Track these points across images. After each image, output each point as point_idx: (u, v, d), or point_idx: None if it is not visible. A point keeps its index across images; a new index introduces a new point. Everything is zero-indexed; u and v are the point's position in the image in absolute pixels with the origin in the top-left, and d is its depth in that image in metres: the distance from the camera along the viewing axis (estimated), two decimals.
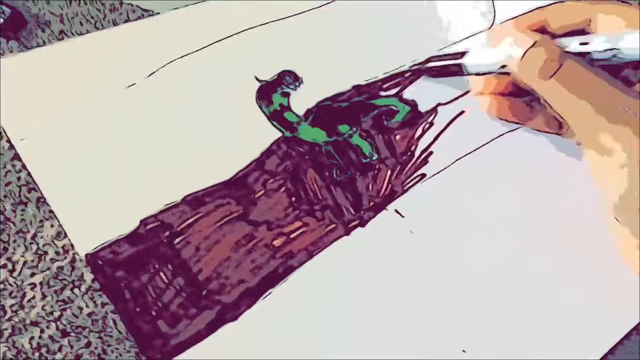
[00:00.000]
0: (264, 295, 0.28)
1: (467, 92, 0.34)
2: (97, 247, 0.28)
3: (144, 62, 0.34)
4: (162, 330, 0.26)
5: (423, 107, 0.34)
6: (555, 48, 0.26)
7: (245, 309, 0.27)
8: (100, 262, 0.28)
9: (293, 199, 0.31)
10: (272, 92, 0.34)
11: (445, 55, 0.32)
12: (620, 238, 0.25)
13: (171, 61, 0.34)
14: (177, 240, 0.29)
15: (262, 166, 0.31)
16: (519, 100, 0.30)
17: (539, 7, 0.29)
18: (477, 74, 0.31)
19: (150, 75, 0.33)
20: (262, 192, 0.31)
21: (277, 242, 0.29)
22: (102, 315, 0.28)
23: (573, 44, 0.26)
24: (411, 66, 0.34)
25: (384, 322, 0.27)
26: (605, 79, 0.25)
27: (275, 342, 0.27)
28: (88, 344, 0.27)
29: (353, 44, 0.36)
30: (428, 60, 0.33)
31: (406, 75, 0.34)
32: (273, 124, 0.33)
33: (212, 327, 0.27)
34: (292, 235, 0.29)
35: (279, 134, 0.33)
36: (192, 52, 0.35)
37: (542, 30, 0.28)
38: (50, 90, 0.32)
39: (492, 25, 0.36)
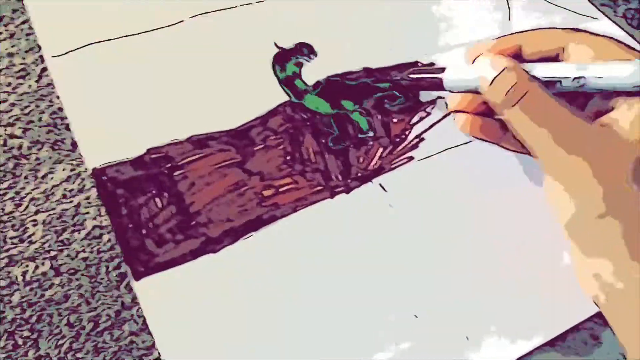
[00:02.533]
0: (245, 237, 0.30)
1: None
2: (105, 164, 0.31)
3: (174, 10, 0.37)
4: (149, 248, 0.29)
5: (424, 98, 0.36)
6: (523, 76, 0.27)
7: (226, 245, 0.30)
8: (104, 177, 0.30)
9: (288, 157, 0.33)
10: (288, 59, 0.37)
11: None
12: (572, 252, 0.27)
13: (208, 12, 0.37)
14: (177, 173, 0.31)
15: (266, 123, 0.34)
16: (492, 120, 0.31)
17: (517, 32, 0.30)
18: (455, 91, 0.31)
19: (178, 22, 0.36)
20: (262, 146, 0.33)
21: (266, 192, 0.32)
22: (96, 262, 0.29)
23: (541, 70, 0.27)
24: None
25: (349, 282, 0.30)
26: (567, 108, 0.26)
27: (248, 279, 0.29)
28: (78, 287, 0.28)
29: (371, 30, 0.39)
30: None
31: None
32: (283, 88, 0.36)
33: (193, 254, 0.29)
34: (281, 189, 0.32)
35: (287, 98, 0.35)
36: (222, 9, 0.37)
37: (515, 55, 0.29)
38: (84, 16, 0.35)
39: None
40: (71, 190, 0.31)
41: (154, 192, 0.31)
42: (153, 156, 0.32)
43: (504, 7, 0.41)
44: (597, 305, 0.27)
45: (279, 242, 0.30)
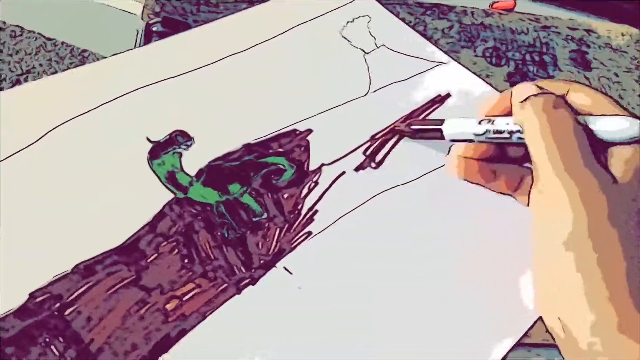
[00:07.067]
0: None
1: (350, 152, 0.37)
2: None
3: (31, 127, 0.34)
4: None
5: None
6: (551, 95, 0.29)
7: None
8: None
9: (186, 260, 0.32)
10: (164, 152, 0.35)
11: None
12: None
13: (58, 125, 0.34)
14: (68, 311, 0.29)
15: (154, 229, 0.32)
16: (486, 165, 0.33)
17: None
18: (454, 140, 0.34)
19: (38, 139, 0.33)
20: (155, 255, 0.32)
21: (169, 306, 0.30)
22: None
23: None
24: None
25: None
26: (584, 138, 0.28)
27: None
28: None
29: (243, 102, 0.38)
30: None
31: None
32: (165, 185, 0.34)
33: None
34: (184, 298, 0.31)
35: (171, 196, 0.34)
36: (82, 114, 0.35)
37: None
38: None
39: (367, 93, 0.40)
40: None
41: (47, 340, 0.28)
42: (38, 300, 0.29)
43: (363, 64, 0.42)
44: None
45: (194, 358, 0.29)
